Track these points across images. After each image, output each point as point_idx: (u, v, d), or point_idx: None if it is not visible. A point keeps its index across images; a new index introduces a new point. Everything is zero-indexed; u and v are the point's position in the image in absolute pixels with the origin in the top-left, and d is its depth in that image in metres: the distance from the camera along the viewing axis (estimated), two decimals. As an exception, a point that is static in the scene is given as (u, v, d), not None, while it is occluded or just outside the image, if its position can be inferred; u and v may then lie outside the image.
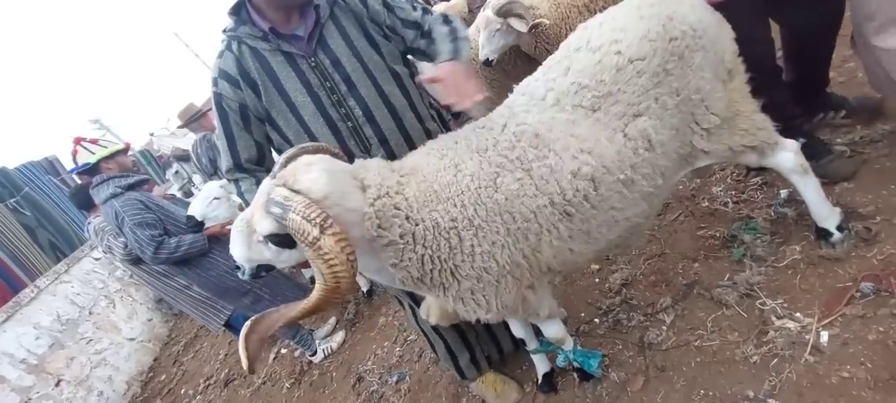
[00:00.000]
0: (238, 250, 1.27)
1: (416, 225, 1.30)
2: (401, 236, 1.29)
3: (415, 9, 1.63)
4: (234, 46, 1.49)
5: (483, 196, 1.33)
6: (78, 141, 3.02)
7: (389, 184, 1.31)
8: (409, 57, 1.72)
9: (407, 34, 1.62)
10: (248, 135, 1.55)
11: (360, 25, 1.57)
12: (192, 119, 4.42)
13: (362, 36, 1.56)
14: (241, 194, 1.59)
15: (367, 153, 1.59)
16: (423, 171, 1.37)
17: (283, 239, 1.19)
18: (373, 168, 1.33)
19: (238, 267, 1.31)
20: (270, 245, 1.22)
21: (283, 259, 1.27)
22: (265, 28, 1.47)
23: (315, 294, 1.13)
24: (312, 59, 1.51)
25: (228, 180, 1.63)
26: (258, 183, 1.45)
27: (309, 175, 1.18)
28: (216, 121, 1.55)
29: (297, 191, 1.14)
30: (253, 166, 1.60)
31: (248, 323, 1.17)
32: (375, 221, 1.25)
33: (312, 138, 1.54)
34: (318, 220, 1.07)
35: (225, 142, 1.55)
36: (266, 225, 1.18)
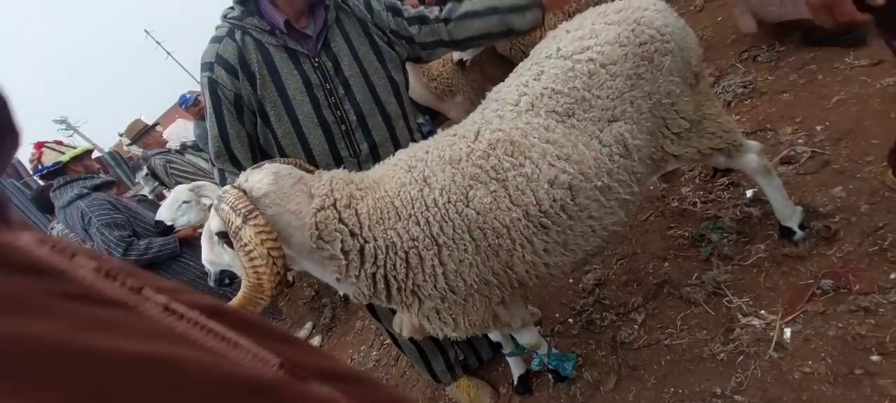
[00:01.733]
0: (204, 252, 1.29)
1: (366, 242, 1.25)
2: (343, 252, 1.24)
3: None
4: (238, 35, 1.46)
5: (451, 212, 1.27)
6: (40, 145, 2.88)
7: (339, 196, 1.26)
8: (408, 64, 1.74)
9: (413, 30, 1.64)
10: (240, 124, 1.51)
11: (364, 31, 1.59)
12: (140, 135, 4.30)
13: (365, 41, 1.58)
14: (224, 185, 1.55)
15: (357, 158, 1.59)
16: (385, 186, 1.32)
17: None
18: (326, 178, 1.29)
19: (208, 273, 1.32)
20: (225, 246, 1.22)
21: (237, 264, 1.24)
22: (280, 21, 1.45)
23: (240, 293, 1.13)
24: (316, 59, 1.51)
25: (213, 166, 1.59)
26: None
27: (256, 175, 1.21)
28: (208, 107, 1.50)
29: (242, 189, 1.17)
30: (246, 158, 1.56)
31: None
32: (315, 232, 1.21)
33: (302, 138, 1.52)
34: (242, 210, 1.08)
35: (216, 129, 1.51)
36: (215, 224, 1.21)
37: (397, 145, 1.62)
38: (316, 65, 1.51)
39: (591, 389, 1.86)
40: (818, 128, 2.23)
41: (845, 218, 1.77)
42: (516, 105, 1.42)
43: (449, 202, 1.28)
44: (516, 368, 2.04)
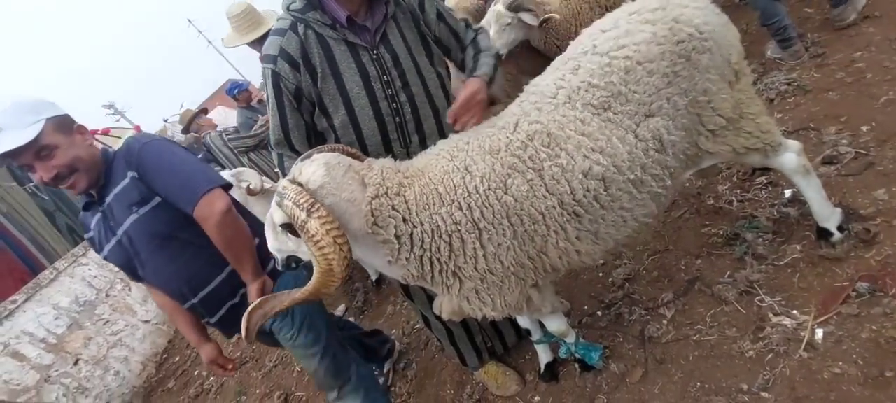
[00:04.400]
0: (270, 241, 1.37)
1: (415, 227, 1.34)
2: (397, 236, 1.33)
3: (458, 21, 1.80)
4: (300, 29, 1.52)
5: (491, 198, 1.35)
6: (93, 133, 3.11)
7: (390, 184, 1.35)
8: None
9: (451, 44, 1.77)
10: (299, 114, 1.58)
11: (416, 27, 1.67)
12: (191, 121, 4.55)
13: (417, 37, 1.67)
14: (283, 170, 1.63)
15: (407, 149, 1.67)
16: (429, 174, 1.40)
17: (295, 229, 1.27)
18: (377, 167, 1.38)
19: (275, 259, 1.41)
20: (289, 235, 1.31)
21: (302, 249, 1.35)
22: (343, 16, 1.52)
23: (313, 278, 1.22)
24: (375, 51, 1.58)
25: (273, 151, 1.67)
26: None
27: (309, 168, 1.29)
28: (270, 97, 1.56)
29: (299, 183, 1.24)
30: (303, 146, 1.62)
31: (257, 301, 1.28)
32: (371, 218, 1.30)
33: (357, 129, 1.60)
34: (305, 205, 1.17)
35: (278, 118, 1.58)
36: (277, 216, 1.29)
37: (443, 137, 1.69)
38: (374, 57, 1.57)
39: (616, 380, 1.90)
40: (864, 128, 2.18)
41: (887, 221, 1.74)
42: (554, 98, 1.47)
43: (489, 189, 1.35)
44: (544, 356, 2.10)
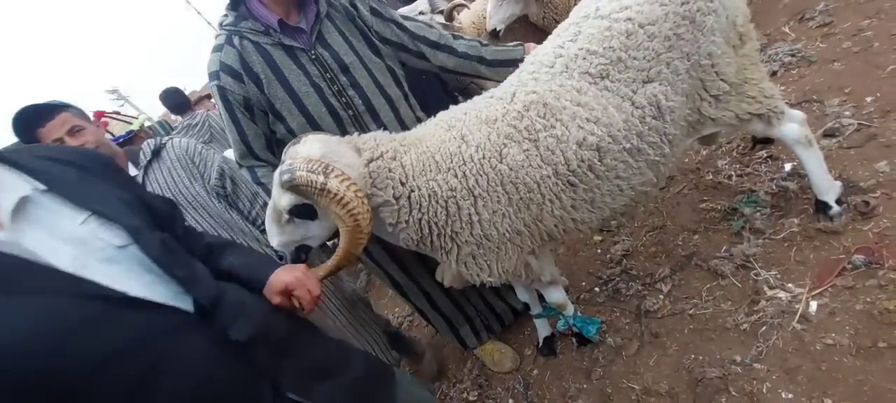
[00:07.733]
0: (274, 237, 1.36)
1: (412, 191, 1.37)
2: (395, 198, 1.37)
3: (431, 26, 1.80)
4: (236, 41, 1.51)
5: (486, 166, 1.37)
6: (100, 115, 3.11)
7: (385, 149, 1.38)
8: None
9: (402, 38, 1.74)
10: (255, 125, 1.57)
11: (354, 25, 1.66)
12: (197, 103, 4.52)
13: (357, 33, 1.65)
14: (257, 181, 1.62)
15: None
16: (427, 143, 1.42)
17: (304, 209, 1.28)
18: (369, 136, 1.42)
19: (281, 257, 1.38)
20: (296, 221, 1.32)
21: (312, 232, 1.36)
22: (273, 21, 1.51)
23: (342, 241, 1.24)
24: (312, 52, 1.56)
25: (241, 166, 1.64)
26: (274, 168, 1.48)
27: (303, 146, 1.30)
28: (223, 113, 1.56)
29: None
30: (266, 155, 1.63)
31: None
32: (370, 180, 1.33)
33: (316, 127, 1.59)
34: (319, 168, 1.19)
35: (236, 133, 1.57)
36: (285, 200, 1.27)
37: (403, 125, 1.72)
38: (313, 57, 1.56)
39: (612, 353, 1.92)
40: (868, 99, 2.14)
41: (887, 194, 1.72)
42: (551, 67, 1.46)
43: (484, 158, 1.37)
44: (542, 330, 2.13)
